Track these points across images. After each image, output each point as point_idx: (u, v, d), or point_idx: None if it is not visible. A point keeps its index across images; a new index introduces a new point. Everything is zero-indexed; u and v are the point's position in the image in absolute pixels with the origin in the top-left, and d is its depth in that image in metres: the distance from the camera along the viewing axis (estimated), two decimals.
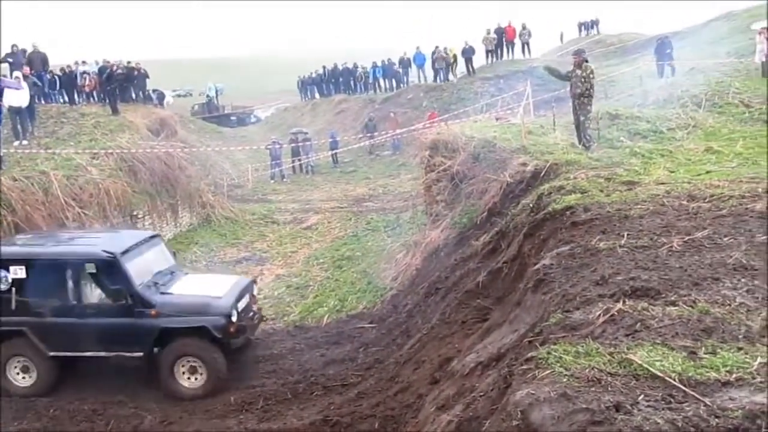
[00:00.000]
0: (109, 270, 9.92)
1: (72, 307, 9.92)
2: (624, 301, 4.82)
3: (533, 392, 3.78)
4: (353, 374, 9.77)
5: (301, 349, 11.42)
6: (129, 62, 26.12)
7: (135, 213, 17.44)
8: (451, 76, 33.36)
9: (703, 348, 3.99)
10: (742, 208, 6.77)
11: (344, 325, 12.47)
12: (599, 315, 4.71)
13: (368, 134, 28.31)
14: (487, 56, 34.06)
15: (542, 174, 10.76)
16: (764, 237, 5.73)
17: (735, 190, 7.45)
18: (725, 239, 5.89)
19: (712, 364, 3.75)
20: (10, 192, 13.69)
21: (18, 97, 16.71)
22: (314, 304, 14.05)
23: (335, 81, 40.52)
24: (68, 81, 24.56)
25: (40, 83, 20.30)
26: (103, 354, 10.03)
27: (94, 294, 10.15)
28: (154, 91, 31.12)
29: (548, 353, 4.27)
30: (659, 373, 3.71)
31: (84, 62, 26.05)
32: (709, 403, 3.34)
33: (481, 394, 5.08)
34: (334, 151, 28.86)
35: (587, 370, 3.89)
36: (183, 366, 9.83)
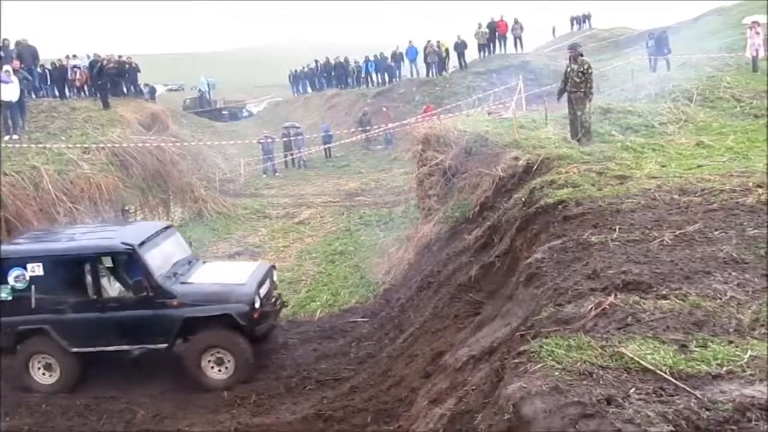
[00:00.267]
0: (129, 262, 9.89)
1: (92, 302, 9.84)
2: (615, 295, 4.84)
3: (525, 386, 3.80)
4: (346, 368, 9.79)
5: (293, 344, 11.43)
6: (120, 56, 25.93)
7: (127, 208, 17.38)
8: (443, 71, 33.35)
9: (694, 341, 4.01)
10: (732, 202, 6.79)
11: (337, 320, 12.47)
12: (591, 309, 4.73)
13: (363, 128, 28.24)
14: (480, 51, 34.04)
15: (534, 168, 10.77)
16: (755, 231, 5.76)
17: (726, 184, 7.48)
18: (716, 233, 5.92)
19: (703, 358, 3.77)
20: (1, 187, 13.60)
21: (8, 91, 16.60)
22: (307, 299, 14.04)
23: (327, 75, 40.40)
24: (59, 75, 24.40)
25: (30, 77, 20.17)
26: (126, 347, 10.02)
27: (113, 287, 10.09)
28: (145, 85, 30.94)
29: (540, 347, 4.29)
30: (650, 367, 3.73)
31: (75, 56, 25.86)
32: (699, 396, 3.36)
33: (474, 387, 5.10)
34: (327, 145, 28.79)
35: (579, 364, 3.91)
36: (209, 358, 9.78)
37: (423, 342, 8.61)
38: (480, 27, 33.23)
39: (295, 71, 44.87)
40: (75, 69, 24.45)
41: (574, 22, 47.67)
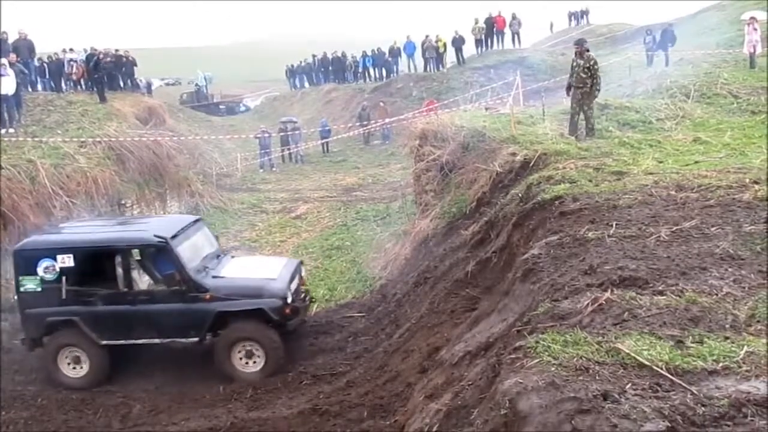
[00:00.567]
0: (161, 255, 9.85)
1: (123, 295, 9.80)
2: (612, 291, 4.85)
3: (521, 381, 3.80)
4: (342, 363, 9.79)
5: (289, 339, 11.42)
6: (117, 50, 25.89)
7: (123, 202, 17.31)
8: (441, 66, 33.32)
9: (690, 337, 4.01)
10: (729, 198, 6.80)
11: (333, 315, 12.47)
12: (587, 304, 4.73)
13: (362, 123, 28.19)
14: (477, 46, 34.02)
15: (531, 164, 10.76)
16: (751, 227, 5.76)
17: (722, 181, 7.49)
18: (713, 229, 5.92)
19: (699, 353, 3.77)
20: None
21: (4, 84, 16.54)
22: None
23: (325, 70, 40.34)
24: (56, 69, 24.32)
25: (27, 71, 20.10)
26: (156, 341, 9.98)
27: (143, 280, 10.05)
28: (142, 79, 30.86)
29: (536, 342, 4.29)
30: (647, 362, 3.73)
31: (71, 50, 25.78)
32: (695, 392, 3.36)
33: (470, 383, 5.10)
34: (325, 140, 28.77)
35: (575, 359, 3.91)
36: (240, 351, 9.77)
37: (419, 337, 8.61)
38: (477, 23, 33.20)
39: (293, 66, 44.79)
40: (72, 63, 24.40)
41: (572, 17, 47.71)
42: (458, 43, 32.61)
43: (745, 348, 3.74)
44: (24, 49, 20.90)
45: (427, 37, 32.92)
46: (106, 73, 23.22)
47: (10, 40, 20.64)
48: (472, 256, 9.77)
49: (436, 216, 13.10)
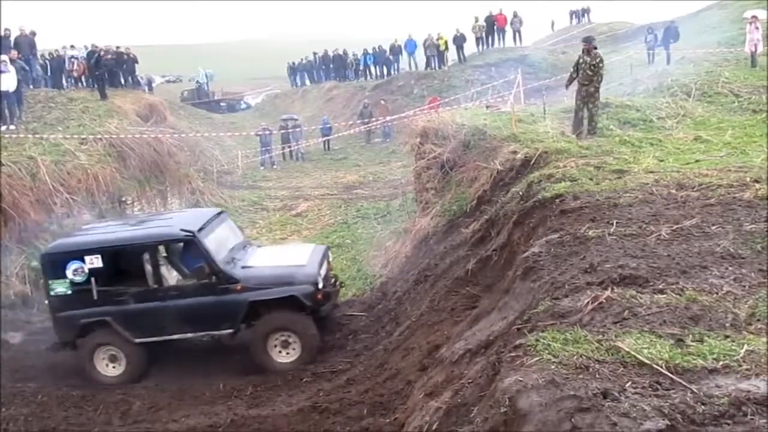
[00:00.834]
0: (190, 249, 9.88)
1: (153, 291, 9.80)
2: (612, 289, 4.85)
3: (521, 379, 3.80)
4: (342, 361, 9.78)
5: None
6: (118, 47, 25.83)
7: (124, 199, 17.33)
8: (442, 64, 33.29)
9: (690, 336, 4.02)
10: (730, 197, 6.80)
11: (334, 312, 12.46)
12: (587, 302, 4.73)
13: (363, 121, 28.17)
14: (478, 44, 33.98)
15: (532, 162, 10.76)
16: (752, 225, 5.76)
17: (723, 179, 7.48)
18: (713, 228, 5.92)
19: (699, 352, 3.77)
20: None
21: (5, 80, 16.54)
22: None
23: (326, 68, 40.26)
24: (57, 66, 24.30)
25: (27, 68, 20.08)
26: (190, 335, 9.99)
27: (172, 275, 10.07)
28: (143, 76, 30.82)
29: (536, 340, 4.29)
30: (647, 361, 3.73)
31: (72, 47, 25.75)
32: (695, 391, 3.37)
33: (470, 381, 5.10)
34: (326, 137, 28.77)
35: (575, 358, 3.92)
36: (275, 341, 9.78)
37: (419, 335, 8.61)
38: (477, 21, 33.16)
39: (294, 63, 44.74)
40: (72, 60, 24.35)
41: (574, 16, 47.61)
42: (459, 41, 32.55)
43: (745, 347, 3.75)
44: (25, 45, 20.87)
45: (429, 35, 32.88)
46: (107, 70, 23.17)
47: (12, 37, 20.61)
48: (472, 254, 9.77)
49: (437, 214, 13.09)
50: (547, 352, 4.08)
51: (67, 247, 10.10)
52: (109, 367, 10.02)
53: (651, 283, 4.89)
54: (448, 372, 6.06)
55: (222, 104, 44.73)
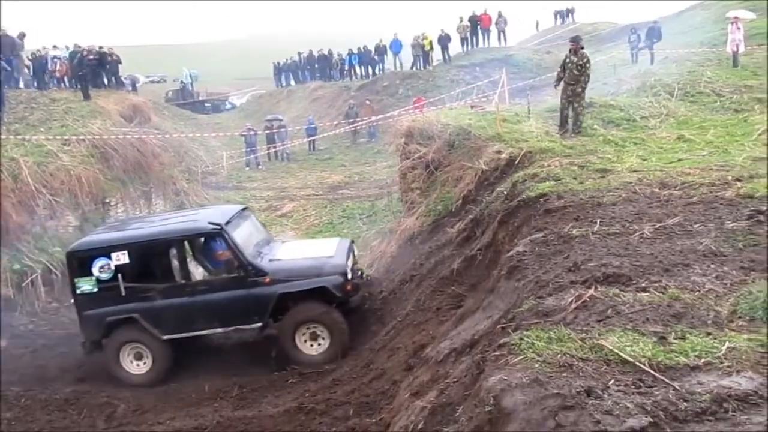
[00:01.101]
0: (217, 242, 9.81)
1: (180, 287, 9.73)
2: (596, 288, 4.88)
3: (506, 378, 3.81)
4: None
5: (276, 337, 11.38)
6: (101, 47, 25.65)
7: (107, 200, 17.21)
8: (427, 64, 33.33)
9: (673, 333, 4.04)
10: (712, 195, 6.87)
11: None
12: (571, 301, 4.75)
13: (349, 121, 28.12)
14: (462, 44, 34.05)
15: (517, 161, 10.81)
16: (733, 224, 5.81)
17: (705, 178, 7.55)
18: (695, 226, 5.97)
19: (682, 349, 3.80)
20: None
21: None
22: None
23: (311, 68, 40.18)
24: (39, 66, 24.09)
25: (9, 68, 19.90)
26: (219, 330, 9.92)
27: (199, 270, 10.03)
28: (127, 77, 30.63)
29: (521, 339, 4.31)
30: (629, 358, 3.76)
31: (55, 47, 25.56)
32: (678, 388, 3.39)
33: (455, 380, 5.10)
34: (312, 138, 28.71)
35: (559, 356, 3.93)
36: (304, 334, 9.71)
37: (405, 335, 8.60)
38: (461, 21, 33.23)
39: (279, 63, 44.61)
40: (55, 60, 24.17)
41: (558, 16, 47.87)
42: (444, 41, 32.60)
43: (727, 344, 3.78)
44: (6, 46, 20.67)
45: (415, 36, 32.90)
46: (90, 70, 23.02)
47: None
48: (457, 253, 9.79)
49: (422, 214, 13.10)
50: (531, 350, 4.10)
51: (93, 244, 10.01)
52: (135, 365, 9.91)
53: (634, 282, 4.92)
54: (434, 371, 6.06)
55: (207, 105, 44.52)
